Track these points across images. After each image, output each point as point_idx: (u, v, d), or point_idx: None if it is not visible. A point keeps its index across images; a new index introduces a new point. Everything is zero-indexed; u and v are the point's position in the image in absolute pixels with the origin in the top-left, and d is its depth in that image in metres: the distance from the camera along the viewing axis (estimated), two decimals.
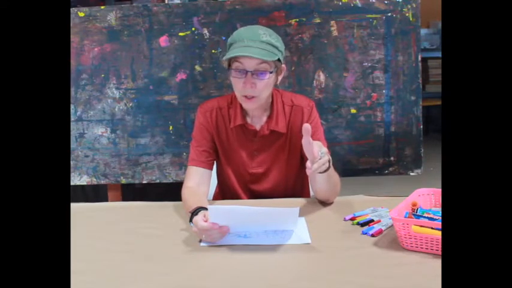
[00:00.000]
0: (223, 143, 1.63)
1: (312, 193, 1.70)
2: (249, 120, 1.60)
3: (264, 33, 1.47)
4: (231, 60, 1.48)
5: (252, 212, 1.25)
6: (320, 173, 1.37)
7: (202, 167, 1.59)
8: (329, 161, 1.37)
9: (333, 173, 1.47)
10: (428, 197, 1.40)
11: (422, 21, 2.01)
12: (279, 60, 1.48)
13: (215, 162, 1.68)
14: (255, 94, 1.48)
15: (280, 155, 1.63)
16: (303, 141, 1.31)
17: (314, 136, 1.48)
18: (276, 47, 1.48)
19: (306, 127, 1.30)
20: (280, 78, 1.55)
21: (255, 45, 1.44)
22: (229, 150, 1.63)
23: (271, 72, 1.48)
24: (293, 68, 1.98)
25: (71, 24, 2.00)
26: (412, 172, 2.02)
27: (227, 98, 1.64)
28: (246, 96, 1.49)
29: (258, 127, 1.60)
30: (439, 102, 4.77)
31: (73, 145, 2.05)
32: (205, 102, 1.67)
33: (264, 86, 1.48)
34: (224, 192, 1.73)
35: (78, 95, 2.04)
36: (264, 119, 1.60)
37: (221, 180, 1.73)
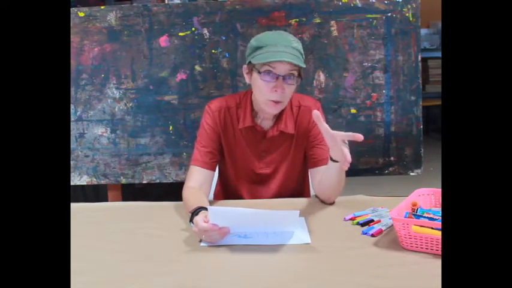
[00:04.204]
0: (230, 143, 1.62)
1: (312, 192, 1.70)
2: (258, 121, 1.59)
3: (293, 40, 1.48)
4: (256, 63, 1.46)
5: (252, 214, 1.25)
6: (335, 161, 1.37)
7: (205, 168, 1.58)
8: None
9: None
10: (428, 197, 1.40)
11: (422, 21, 2.01)
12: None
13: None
14: (282, 99, 1.48)
15: (286, 155, 1.62)
16: (321, 128, 1.32)
17: (320, 135, 1.49)
18: (302, 55, 1.48)
19: (316, 113, 1.31)
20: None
21: (288, 50, 1.43)
22: (235, 150, 1.62)
23: (299, 77, 1.48)
24: None
25: (71, 24, 2.00)
26: (412, 172, 2.02)
27: (235, 97, 1.62)
28: (273, 101, 1.48)
29: (266, 128, 1.59)
30: (439, 102, 4.77)
31: (73, 145, 2.05)
32: (213, 101, 1.64)
33: (291, 92, 1.49)
34: (226, 191, 1.72)
35: (78, 95, 2.04)
36: (273, 120, 1.59)
37: (223, 180, 1.72)
